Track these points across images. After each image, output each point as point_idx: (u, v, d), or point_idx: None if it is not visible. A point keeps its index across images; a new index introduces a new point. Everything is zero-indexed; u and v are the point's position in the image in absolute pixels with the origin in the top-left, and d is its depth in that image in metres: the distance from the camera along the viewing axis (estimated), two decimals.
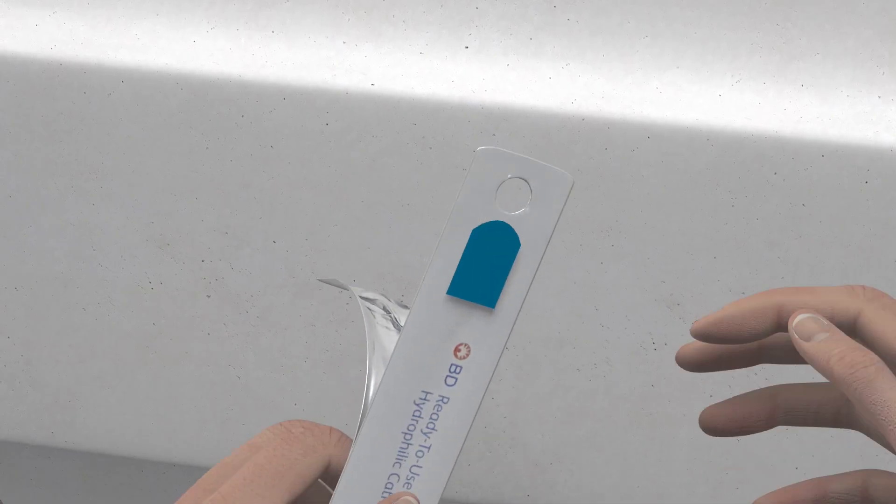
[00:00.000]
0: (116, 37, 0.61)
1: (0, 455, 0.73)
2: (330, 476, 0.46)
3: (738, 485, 0.61)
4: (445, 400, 0.46)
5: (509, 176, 0.44)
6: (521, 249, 0.45)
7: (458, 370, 0.46)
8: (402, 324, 0.48)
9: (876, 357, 0.39)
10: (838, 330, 0.41)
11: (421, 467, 0.47)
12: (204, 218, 0.61)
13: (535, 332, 0.60)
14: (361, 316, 0.51)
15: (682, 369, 0.46)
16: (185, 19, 0.61)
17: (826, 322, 0.41)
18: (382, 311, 0.50)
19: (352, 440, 0.46)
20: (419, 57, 0.59)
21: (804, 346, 0.41)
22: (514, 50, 0.59)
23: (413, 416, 0.46)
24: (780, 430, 0.60)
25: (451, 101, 0.58)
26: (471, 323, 0.46)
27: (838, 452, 0.60)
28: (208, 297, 0.63)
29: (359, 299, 0.50)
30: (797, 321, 0.41)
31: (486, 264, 0.46)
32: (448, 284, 0.45)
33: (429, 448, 0.46)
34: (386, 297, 0.51)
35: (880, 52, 0.57)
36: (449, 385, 0.46)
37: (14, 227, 0.63)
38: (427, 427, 0.46)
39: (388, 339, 0.48)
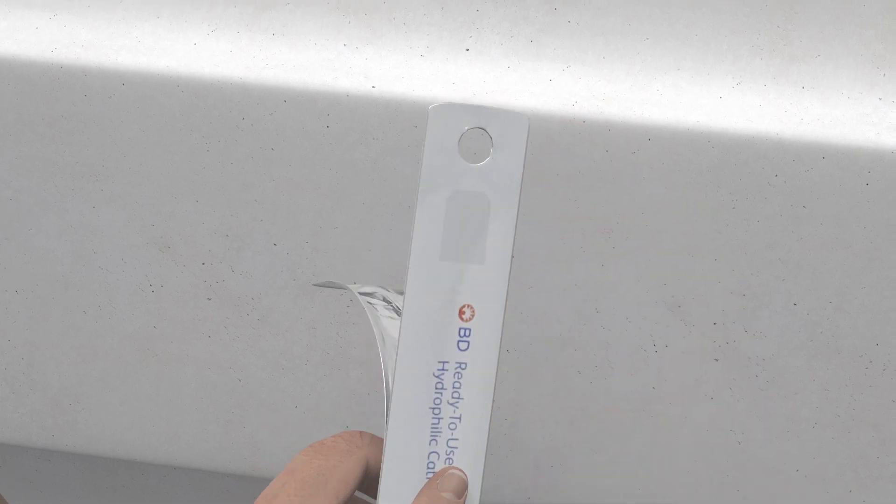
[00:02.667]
0: (117, 39, 0.61)
1: (1, 458, 0.73)
2: (370, 477, 0.46)
3: (740, 487, 0.61)
4: (463, 366, 0.46)
5: (467, 128, 0.44)
6: (496, 197, 0.45)
7: (467, 333, 0.46)
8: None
9: None
10: None
11: (457, 439, 0.46)
12: (205, 220, 0.61)
13: (536, 333, 0.60)
14: (365, 312, 0.51)
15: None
16: (186, 22, 0.61)
17: None
18: (383, 303, 0.50)
19: (383, 439, 0.46)
20: (420, 59, 0.59)
21: None
22: (514, 52, 0.59)
23: (436, 388, 0.46)
24: (781, 433, 0.60)
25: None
26: (467, 282, 0.46)
27: (839, 453, 0.60)
28: (209, 299, 0.63)
29: (359, 296, 0.50)
30: None
31: (466, 222, 0.45)
32: (437, 249, 0.45)
33: (460, 418, 0.46)
34: (384, 287, 0.52)
35: (881, 53, 0.57)
36: (462, 350, 0.46)
37: (15, 230, 0.63)
38: (453, 397, 0.46)
39: (394, 327, 0.48)
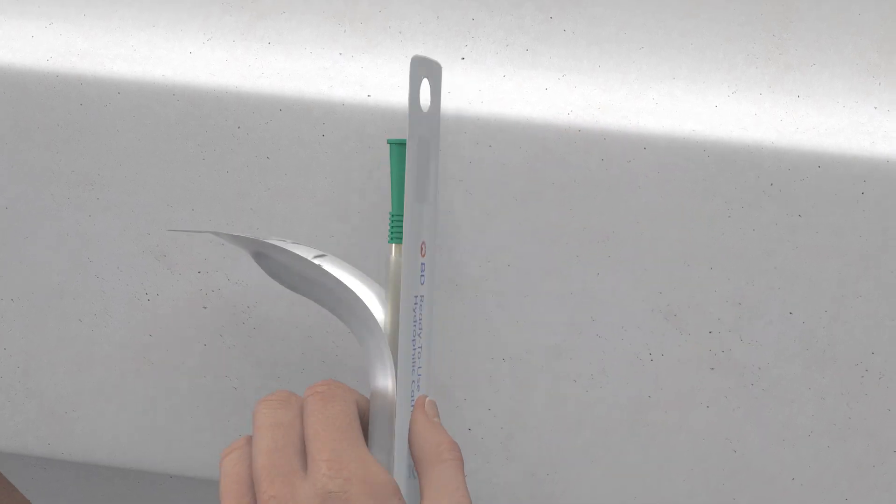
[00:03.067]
0: (113, 48, 0.61)
1: None
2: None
3: (736, 495, 0.61)
4: (422, 298, 0.51)
5: (423, 79, 0.50)
6: (432, 141, 0.51)
7: (423, 268, 0.51)
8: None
9: None
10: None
11: (421, 367, 0.51)
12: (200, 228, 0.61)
13: (530, 342, 0.60)
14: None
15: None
16: (182, 30, 0.61)
17: None
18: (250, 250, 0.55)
19: (347, 385, 0.51)
20: None
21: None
22: (510, 61, 0.59)
23: (413, 323, 0.51)
24: (777, 441, 0.60)
25: (447, 111, 0.58)
26: (423, 221, 0.51)
27: (835, 462, 0.60)
28: (205, 308, 0.63)
29: (235, 237, 0.55)
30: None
31: (423, 167, 0.51)
32: (415, 192, 0.50)
33: (422, 347, 0.51)
34: (239, 234, 0.57)
35: (877, 62, 0.57)
36: (422, 284, 0.51)
37: (10, 238, 0.63)
38: (419, 328, 0.51)
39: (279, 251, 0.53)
